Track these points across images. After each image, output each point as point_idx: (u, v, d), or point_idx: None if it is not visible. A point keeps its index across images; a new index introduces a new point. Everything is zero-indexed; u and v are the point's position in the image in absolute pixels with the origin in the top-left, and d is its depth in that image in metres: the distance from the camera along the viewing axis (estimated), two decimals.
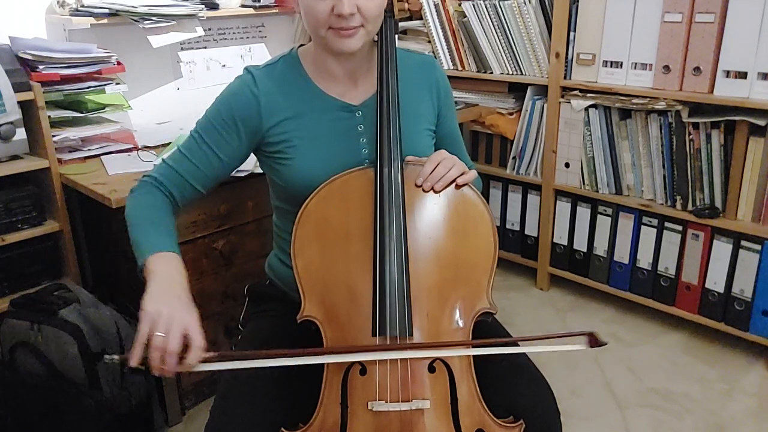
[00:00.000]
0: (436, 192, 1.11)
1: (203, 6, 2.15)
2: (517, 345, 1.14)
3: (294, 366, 1.10)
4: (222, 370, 1.00)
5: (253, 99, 1.18)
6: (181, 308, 0.97)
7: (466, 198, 1.12)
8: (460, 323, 1.05)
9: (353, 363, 1.00)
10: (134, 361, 0.94)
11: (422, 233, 1.08)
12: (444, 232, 1.09)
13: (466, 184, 1.12)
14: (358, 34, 1.11)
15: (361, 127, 1.21)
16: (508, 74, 2.46)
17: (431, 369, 1.00)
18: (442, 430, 0.97)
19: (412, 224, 1.08)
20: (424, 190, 1.11)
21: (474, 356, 1.03)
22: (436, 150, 1.16)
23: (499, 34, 2.40)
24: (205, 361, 0.96)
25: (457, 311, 1.05)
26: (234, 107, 1.18)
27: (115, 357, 0.98)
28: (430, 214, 1.10)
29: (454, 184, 1.11)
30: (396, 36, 1.22)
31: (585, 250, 2.39)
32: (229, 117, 1.18)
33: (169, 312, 0.94)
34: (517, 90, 2.49)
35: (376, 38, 1.20)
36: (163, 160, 1.22)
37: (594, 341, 0.99)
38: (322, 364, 1.01)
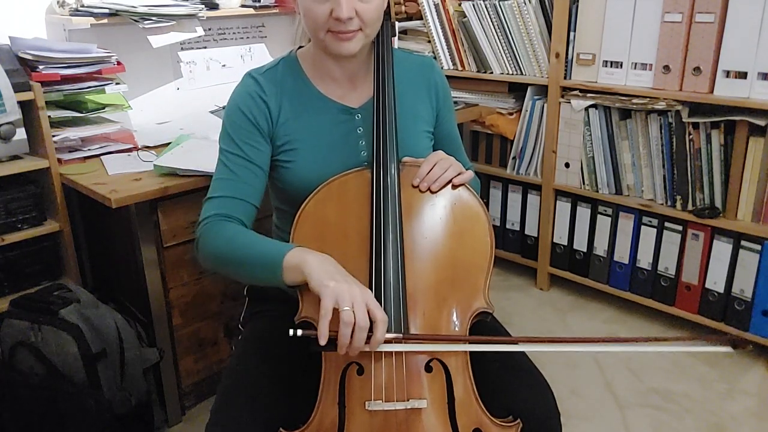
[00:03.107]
0: (432, 192, 1.11)
1: (203, 6, 2.15)
2: (516, 344, 1.14)
3: (291, 365, 1.11)
4: (413, 351, 0.96)
5: (262, 103, 1.19)
6: (358, 283, 0.96)
7: (463, 198, 1.12)
8: (457, 323, 1.05)
9: (351, 362, 1.00)
10: (324, 338, 0.91)
11: (419, 233, 1.08)
12: (440, 232, 1.09)
13: (462, 185, 1.12)
14: (357, 38, 1.12)
15: (360, 130, 1.22)
16: (508, 74, 2.46)
17: (428, 368, 1.00)
18: (439, 430, 0.97)
19: (408, 224, 1.08)
20: (420, 191, 1.11)
21: (472, 356, 1.03)
22: (434, 151, 1.16)
23: (499, 34, 2.40)
24: (387, 341, 0.94)
25: (454, 311, 1.05)
26: (249, 115, 1.18)
27: (300, 332, 0.94)
28: (426, 214, 1.10)
29: (450, 185, 1.12)
30: (395, 38, 1.22)
31: (585, 250, 2.39)
32: (249, 126, 1.18)
33: (350, 287, 0.93)
34: (517, 90, 2.49)
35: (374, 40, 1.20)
36: (207, 198, 1.17)
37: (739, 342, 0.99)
38: (321, 365, 1.01)
